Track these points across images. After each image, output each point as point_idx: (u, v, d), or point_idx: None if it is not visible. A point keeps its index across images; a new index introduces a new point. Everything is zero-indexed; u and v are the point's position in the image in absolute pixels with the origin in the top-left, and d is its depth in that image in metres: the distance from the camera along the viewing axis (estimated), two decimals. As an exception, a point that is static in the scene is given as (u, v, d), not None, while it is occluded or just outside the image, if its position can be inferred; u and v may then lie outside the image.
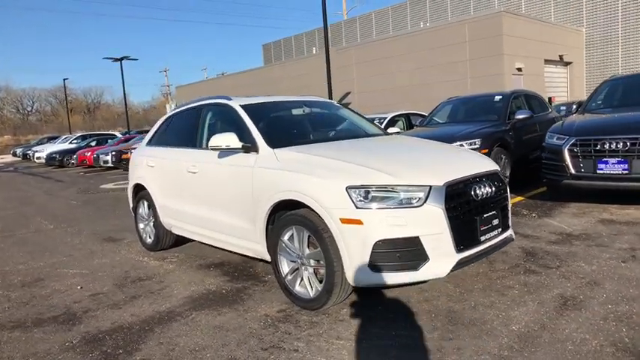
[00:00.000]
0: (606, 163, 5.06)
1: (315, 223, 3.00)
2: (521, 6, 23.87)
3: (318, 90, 22.05)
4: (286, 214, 3.23)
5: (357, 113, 4.82)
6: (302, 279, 3.20)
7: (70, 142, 25.25)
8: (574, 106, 6.55)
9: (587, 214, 5.16)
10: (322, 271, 3.07)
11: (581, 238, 4.34)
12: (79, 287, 4.06)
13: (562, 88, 21.24)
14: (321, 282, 3.07)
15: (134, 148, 15.08)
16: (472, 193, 3.03)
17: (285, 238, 3.27)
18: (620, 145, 4.95)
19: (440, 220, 2.80)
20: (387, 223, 2.76)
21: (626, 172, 4.92)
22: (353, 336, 2.75)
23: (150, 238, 5.12)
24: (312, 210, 2.99)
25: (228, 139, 3.61)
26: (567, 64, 21.09)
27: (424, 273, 2.80)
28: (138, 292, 3.82)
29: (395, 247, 2.76)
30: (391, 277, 2.81)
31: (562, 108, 12.28)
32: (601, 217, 5.01)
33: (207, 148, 4.18)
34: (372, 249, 2.76)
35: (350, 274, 2.86)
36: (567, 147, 5.35)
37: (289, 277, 3.31)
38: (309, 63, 25.03)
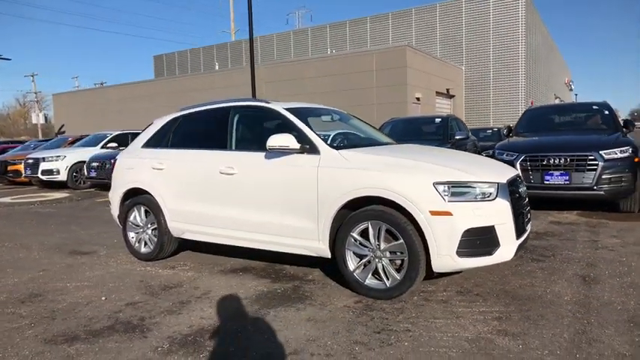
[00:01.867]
0: (551, 175, 6.13)
1: (396, 217, 3.27)
2: (412, 43, 26.66)
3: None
4: (361, 210, 3.43)
5: (366, 123, 5.17)
6: (374, 271, 3.42)
7: None
8: (504, 130, 7.72)
9: (538, 218, 6.16)
10: (398, 262, 3.34)
11: (551, 235, 5.22)
12: (103, 298, 3.69)
13: (446, 117, 24.08)
14: (398, 272, 3.33)
15: (27, 159, 13.47)
16: (518, 190, 3.59)
17: (356, 233, 3.47)
18: (562, 161, 6.06)
19: (507, 211, 3.28)
20: (472, 214, 3.16)
21: (567, 182, 6.02)
22: (448, 314, 3.06)
23: (146, 246, 4.79)
24: (397, 204, 3.26)
25: (288, 140, 3.70)
26: (451, 96, 24.05)
27: (496, 257, 3.24)
28: (180, 298, 3.63)
29: (476, 235, 3.17)
30: (472, 262, 3.20)
31: (488, 131, 14.16)
32: (550, 220, 6.04)
33: (243, 149, 4.20)
34: (461, 237, 3.12)
35: (436, 262, 3.18)
36: (519, 162, 6.35)
37: (358, 271, 3.49)
38: (212, 79, 24.70)
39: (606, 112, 7.30)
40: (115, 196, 5.02)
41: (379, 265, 3.41)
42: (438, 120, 8.83)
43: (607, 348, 2.53)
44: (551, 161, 6.11)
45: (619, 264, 4.02)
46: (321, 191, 3.59)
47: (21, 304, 3.60)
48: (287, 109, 4.08)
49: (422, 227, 3.19)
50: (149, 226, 4.76)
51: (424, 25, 26.65)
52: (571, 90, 51.66)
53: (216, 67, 30.72)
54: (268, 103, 4.23)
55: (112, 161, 5.20)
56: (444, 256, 3.16)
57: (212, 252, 4.94)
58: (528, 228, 3.75)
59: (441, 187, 3.19)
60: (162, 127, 4.87)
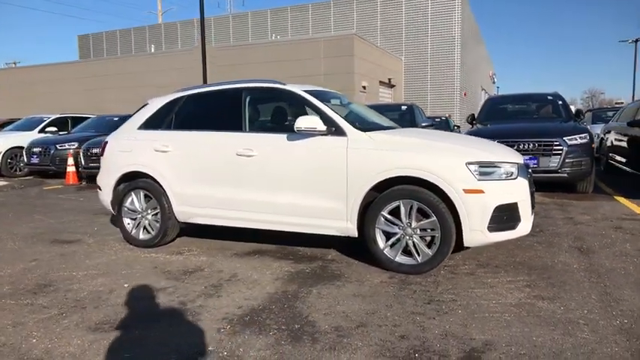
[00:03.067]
0: (521, 159, 6.65)
1: (428, 196, 3.45)
2: (353, 32, 27.07)
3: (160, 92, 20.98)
4: (392, 190, 3.57)
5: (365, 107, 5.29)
6: (404, 248, 3.58)
7: None
8: (469, 118, 8.20)
9: (509, 198, 6.67)
10: (428, 238, 3.54)
11: (528, 213, 5.70)
12: (125, 285, 3.52)
13: (388, 106, 24.88)
14: (429, 248, 3.52)
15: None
16: (528, 170, 3.91)
17: (386, 212, 3.61)
18: (531, 146, 6.61)
19: (525, 189, 3.58)
20: (500, 192, 3.41)
21: (536, 165, 6.58)
22: (481, 285, 3.30)
23: (145, 232, 4.59)
24: (430, 183, 3.43)
25: (315, 122, 3.73)
26: (392, 86, 24.84)
27: (518, 231, 3.54)
28: (210, 282, 3.56)
29: (503, 211, 3.43)
30: (499, 236, 3.47)
31: (437, 120, 14.74)
32: (520, 200, 6.57)
33: (260, 131, 4.16)
34: (492, 213, 3.37)
35: (468, 237, 3.41)
36: (491, 147, 6.81)
37: (387, 249, 3.64)
38: (148, 61, 23.49)
39: (560, 102, 8.02)
40: (108, 181, 4.74)
41: (409, 242, 3.57)
42: (404, 107, 9.17)
43: (632, 305, 2.89)
44: (522, 146, 6.63)
45: (601, 237, 4.52)
46: (351, 172, 3.68)
47: (34, 295, 3.35)
48: (306, 92, 4.09)
49: (455, 205, 3.39)
50: (149, 211, 4.56)
51: (365, 15, 27.16)
52: (494, 83, 55.33)
53: (152, 50, 29.16)
54: (285, 85, 4.21)
55: (103, 144, 4.87)
56: (476, 231, 3.39)
57: (210, 237, 4.83)
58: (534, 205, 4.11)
59: (472, 167, 3.41)
60: (162, 108, 4.65)
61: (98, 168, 5.01)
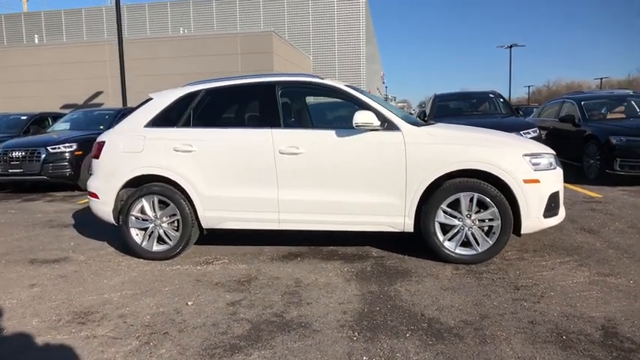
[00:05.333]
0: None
1: (488, 187, 3.60)
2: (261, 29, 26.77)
3: (47, 89, 18.83)
4: (452, 183, 3.65)
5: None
6: (462, 239, 3.69)
7: None
8: (421, 115, 8.66)
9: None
10: (486, 228, 3.69)
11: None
12: (189, 303, 3.11)
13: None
14: (488, 237, 3.67)
15: None
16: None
17: (445, 205, 3.68)
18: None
19: (561, 179, 3.92)
20: (550, 181, 3.69)
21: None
22: (542, 268, 3.54)
23: (161, 244, 4.10)
24: (489, 175, 3.58)
25: (371, 118, 3.67)
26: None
27: (559, 217, 3.85)
28: (280, 289, 3.30)
29: (553, 199, 3.71)
30: (549, 222, 3.74)
31: None
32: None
33: (303, 127, 3.97)
34: (547, 201, 3.63)
35: (526, 223, 3.63)
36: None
37: (447, 242, 3.72)
38: (34, 53, 20.71)
39: (501, 100, 8.84)
40: (109, 186, 4.11)
41: (469, 233, 3.70)
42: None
43: (678, 274, 3.35)
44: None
45: (589, 218, 5.10)
46: (410, 167, 3.68)
47: (83, 326, 2.81)
48: (350, 87, 3.99)
49: (516, 194, 3.58)
50: (164, 219, 4.07)
51: (272, 15, 27.03)
52: (383, 83, 58.92)
53: (35, 41, 25.69)
54: (323, 79, 4.05)
55: (97, 144, 4.18)
56: (534, 218, 3.63)
57: (216, 243, 4.47)
58: None
59: (527, 159, 3.64)
60: (175, 104, 4.16)
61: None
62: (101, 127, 9.21)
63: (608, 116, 8.40)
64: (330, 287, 3.31)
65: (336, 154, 3.79)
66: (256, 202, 3.91)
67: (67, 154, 8.02)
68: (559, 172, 3.85)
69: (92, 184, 4.25)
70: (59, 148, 8.01)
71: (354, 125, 3.66)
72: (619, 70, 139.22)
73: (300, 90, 4.18)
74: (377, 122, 3.70)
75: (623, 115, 8.25)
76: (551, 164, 3.79)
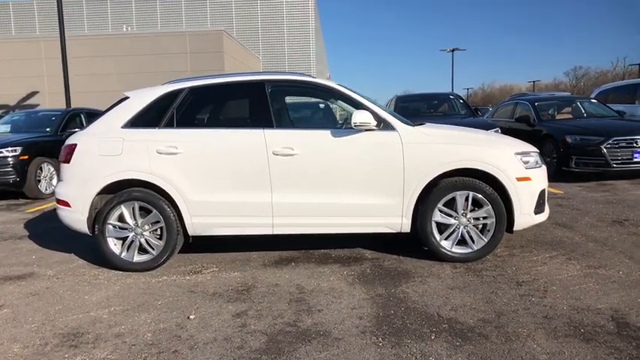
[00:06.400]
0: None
1: (483, 186, 3.66)
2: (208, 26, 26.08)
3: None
4: (448, 182, 3.66)
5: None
6: (457, 238, 3.72)
7: None
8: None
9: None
10: (480, 226, 3.75)
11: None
12: (191, 317, 2.89)
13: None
14: (482, 235, 3.73)
15: None
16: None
17: (441, 204, 3.70)
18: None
19: (546, 176, 4.06)
20: (538, 178, 3.80)
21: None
22: (535, 263, 3.64)
23: (142, 254, 3.81)
24: (483, 173, 3.64)
25: (368, 117, 3.62)
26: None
27: (544, 215, 3.98)
28: (284, 297, 3.16)
29: (541, 196, 3.83)
30: (539, 218, 3.86)
31: None
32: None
33: (296, 128, 3.84)
34: (537, 198, 3.74)
35: (519, 220, 3.72)
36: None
37: (444, 242, 3.74)
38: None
39: (461, 100, 9.13)
40: (82, 193, 3.77)
41: (464, 232, 3.73)
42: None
43: (658, 263, 3.56)
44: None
45: (560, 214, 5.34)
46: (408, 167, 3.66)
47: (76, 349, 2.54)
48: (343, 86, 3.91)
49: (509, 192, 3.66)
50: (146, 227, 3.79)
51: (220, 13, 26.43)
52: (330, 85, 59.35)
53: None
54: (315, 78, 3.95)
55: (67, 147, 3.79)
56: (526, 215, 3.72)
57: (197, 251, 4.25)
58: None
59: (519, 157, 3.73)
60: (155, 103, 3.88)
61: None
62: (47, 129, 8.56)
63: (557, 117, 8.93)
64: (336, 292, 3.21)
65: (333, 154, 3.70)
66: (248, 207, 3.73)
67: (10, 159, 7.34)
68: (544, 169, 3.99)
69: (62, 192, 3.87)
70: (1, 152, 7.31)
71: (352, 125, 3.59)
72: (547, 73, 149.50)
73: (291, 89, 4.05)
74: (374, 122, 3.65)
75: (571, 116, 8.80)
76: (537, 162, 3.91)
